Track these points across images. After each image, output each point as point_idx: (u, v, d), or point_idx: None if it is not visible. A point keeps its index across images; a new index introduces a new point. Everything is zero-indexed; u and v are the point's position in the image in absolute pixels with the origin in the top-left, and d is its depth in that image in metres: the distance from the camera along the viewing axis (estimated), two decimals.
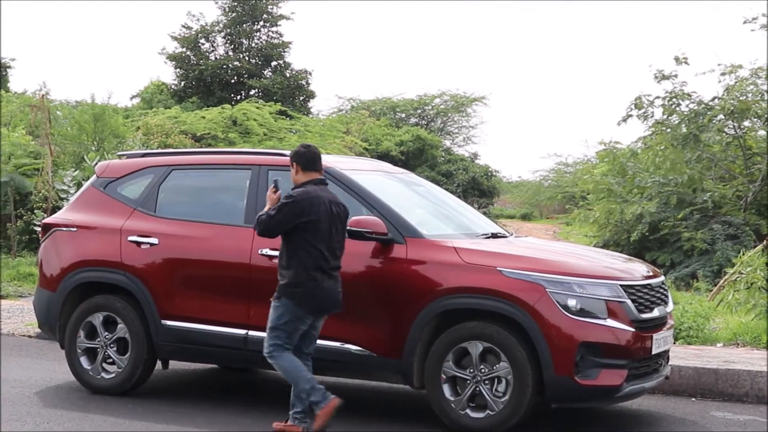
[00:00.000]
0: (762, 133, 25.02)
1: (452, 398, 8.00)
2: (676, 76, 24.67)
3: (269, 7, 48.20)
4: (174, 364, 10.28)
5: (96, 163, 15.26)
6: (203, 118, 32.59)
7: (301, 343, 7.98)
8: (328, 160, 9.31)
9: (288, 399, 7.91)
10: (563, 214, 49.41)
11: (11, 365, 10.77)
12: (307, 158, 8.10)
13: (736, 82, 24.03)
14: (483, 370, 7.89)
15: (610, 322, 7.80)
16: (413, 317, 8.10)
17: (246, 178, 9.13)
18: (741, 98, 23.63)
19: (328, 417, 7.68)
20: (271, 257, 8.53)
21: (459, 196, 11.74)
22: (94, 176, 10.07)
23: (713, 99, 24.39)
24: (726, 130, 24.58)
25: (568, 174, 60.46)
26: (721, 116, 24.09)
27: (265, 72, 47.88)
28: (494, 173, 54.85)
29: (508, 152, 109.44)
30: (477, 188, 50.68)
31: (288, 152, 9.42)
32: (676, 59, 24.45)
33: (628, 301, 7.95)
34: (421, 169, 44.83)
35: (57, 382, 9.91)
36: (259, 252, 8.64)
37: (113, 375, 9.32)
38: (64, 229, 9.75)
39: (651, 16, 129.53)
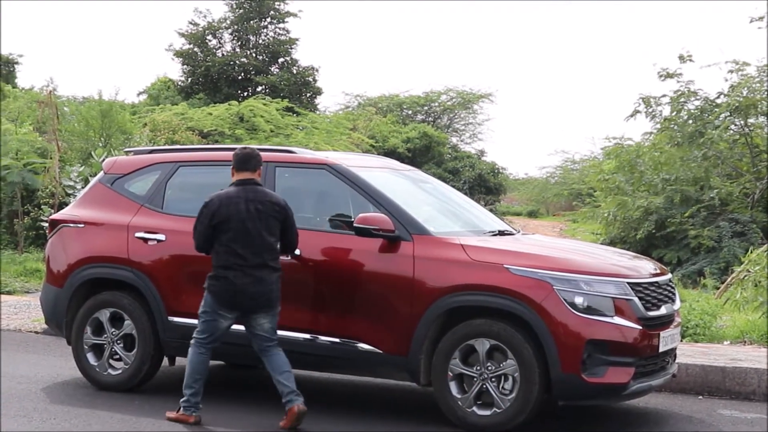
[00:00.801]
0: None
1: (459, 396, 7.98)
2: (681, 74, 24.69)
3: (276, 3, 48.24)
4: (181, 361, 10.27)
5: (103, 160, 15.25)
6: (210, 114, 32.63)
7: (254, 343, 8.24)
8: (335, 157, 9.33)
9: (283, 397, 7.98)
10: (570, 211, 49.38)
11: (18, 361, 10.78)
12: (239, 159, 8.35)
13: (742, 80, 24.01)
14: (490, 368, 7.88)
15: (618, 320, 7.78)
16: (420, 314, 8.09)
17: None
18: (747, 95, 23.61)
19: (179, 421, 8.16)
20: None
21: (465, 194, 11.73)
22: (102, 172, 10.07)
23: (718, 96, 24.39)
24: (732, 127, 24.56)
25: (574, 171, 60.47)
26: (727, 113, 24.08)
27: (272, 69, 47.94)
28: (501, 170, 54.95)
29: (514, 149, 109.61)
30: (483, 185, 50.74)
31: (296, 149, 9.48)
32: (681, 57, 24.48)
33: (636, 299, 7.93)
34: (428, 166, 44.90)
35: (63, 379, 9.91)
36: None
37: (120, 371, 9.32)
38: (72, 225, 9.75)
39: (656, 13, 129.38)
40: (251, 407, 8.85)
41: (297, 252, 8.51)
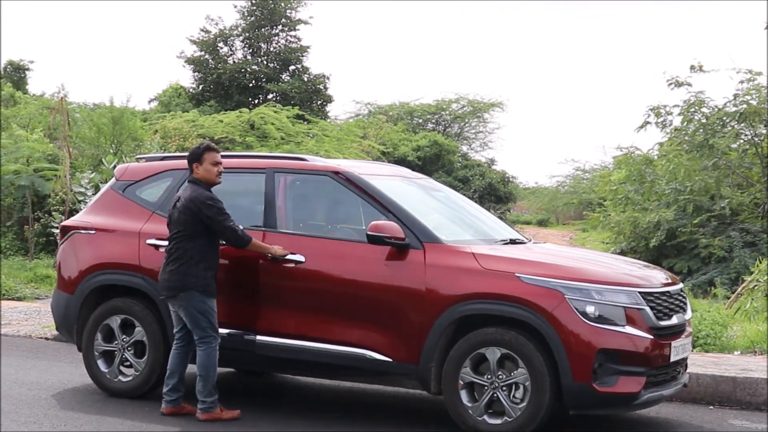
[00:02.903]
0: None
1: (470, 404, 7.97)
2: (690, 84, 24.68)
3: (288, 11, 48.28)
4: (190, 368, 10.27)
5: (114, 166, 15.28)
6: (221, 121, 32.68)
7: None
8: (346, 164, 9.32)
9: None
10: (580, 220, 49.35)
11: (28, 367, 10.80)
12: None
13: (752, 88, 23.99)
14: (501, 377, 7.87)
15: (629, 329, 7.77)
16: (431, 323, 8.07)
17: (263, 182, 9.11)
18: (752, 102, 23.59)
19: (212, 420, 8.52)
20: (281, 261, 8.60)
21: (475, 202, 11.67)
22: (113, 179, 10.08)
23: (725, 105, 24.38)
24: (743, 137, 24.53)
25: (585, 180, 60.45)
26: (732, 120, 24.06)
27: (283, 76, 47.97)
28: (511, 179, 54.91)
29: (525, 158, 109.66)
30: (493, 194, 50.68)
31: (307, 156, 9.47)
32: (692, 67, 24.48)
33: (647, 308, 7.91)
34: (438, 174, 44.89)
35: (74, 385, 9.92)
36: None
37: (130, 378, 9.32)
38: (83, 231, 9.76)
39: (668, 21, 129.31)
40: (260, 414, 8.83)
41: (302, 259, 8.53)
